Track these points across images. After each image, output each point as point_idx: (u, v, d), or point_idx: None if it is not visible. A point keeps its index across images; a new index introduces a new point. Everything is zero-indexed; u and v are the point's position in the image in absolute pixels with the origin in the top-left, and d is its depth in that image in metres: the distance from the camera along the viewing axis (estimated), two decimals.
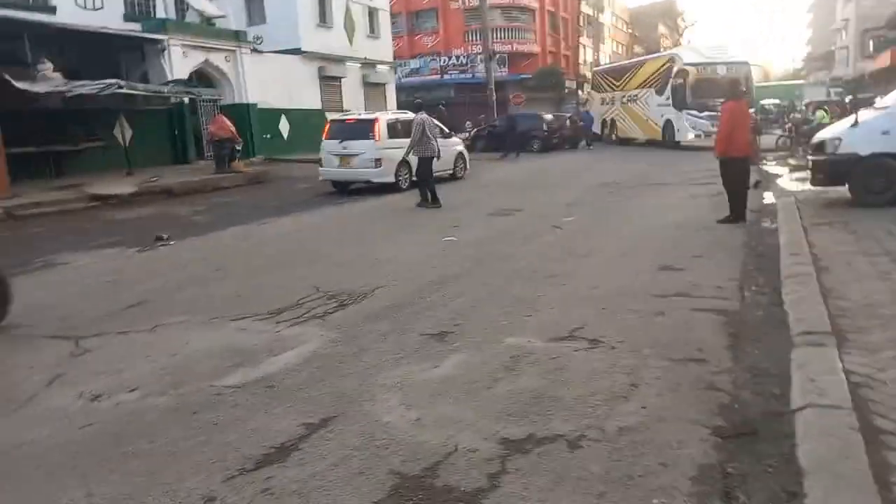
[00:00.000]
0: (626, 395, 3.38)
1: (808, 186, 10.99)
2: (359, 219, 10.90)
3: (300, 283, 6.23)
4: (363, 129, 13.66)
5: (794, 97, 43.53)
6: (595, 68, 38.35)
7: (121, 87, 15.28)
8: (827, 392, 3.10)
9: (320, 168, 14.35)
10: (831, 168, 8.61)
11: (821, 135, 9.18)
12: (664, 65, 25.25)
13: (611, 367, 3.78)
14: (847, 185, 8.62)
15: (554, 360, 3.95)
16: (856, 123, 8.41)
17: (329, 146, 13.92)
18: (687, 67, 23.33)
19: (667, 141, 24.38)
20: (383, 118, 14.04)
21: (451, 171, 16.06)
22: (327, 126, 15.01)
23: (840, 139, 8.47)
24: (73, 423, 3.42)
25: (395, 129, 13.89)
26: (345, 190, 14.40)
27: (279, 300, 5.62)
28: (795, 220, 7.94)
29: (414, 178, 13.58)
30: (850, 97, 35.41)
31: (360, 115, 15.64)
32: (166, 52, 19.48)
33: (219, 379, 3.93)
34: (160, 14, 21.14)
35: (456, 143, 16.77)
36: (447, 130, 16.43)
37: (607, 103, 30.51)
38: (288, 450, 3.01)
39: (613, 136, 29.54)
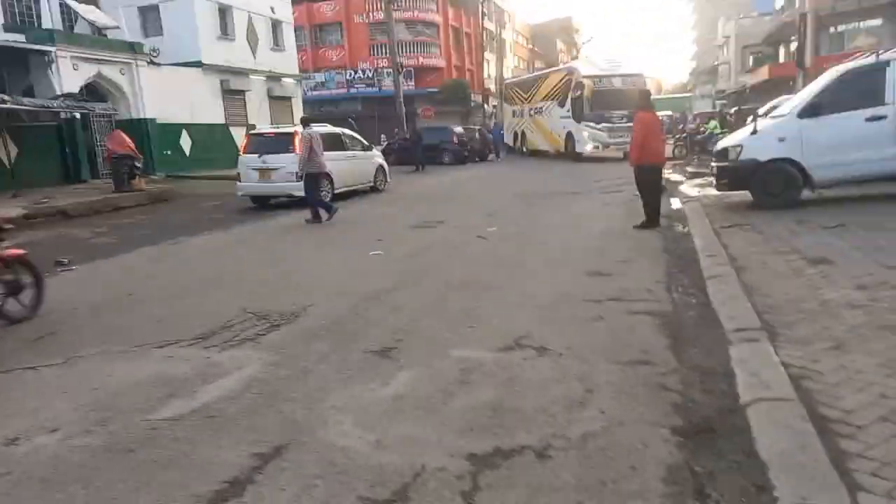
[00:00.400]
0: (582, 402, 3.39)
1: (709, 192, 11.70)
2: (277, 235, 10.54)
3: (225, 304, 5.91)
4: (283, 143, 13.41)
5: (685, 109, 46.28)
6: (506, 81, 39.15)
7: (4, 101, 14.10)
8: (771, 385, 3.24)
9: (238, 183, 13.89)
10: (734, 174, 9.15)
11: (723, 143, 9.77)
12: (564, 77, 25.56)
13: (562, 374, 3.79)
14: (749, 190, 9.18)
15: (505, 370, 3.92)
16: (755, 132, 8.99)
17: (248, 160, 13.57)
18: (584, 80, 23.44)
19: (569, 152, 24.57)
20: (303, 132, 13.60)
21: (371, 184, 16.10)
22: (246, 140, 14.72)
23: (741, 146, 9.03)
24: None
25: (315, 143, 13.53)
26: (265, 205, 14.09)
27: (205, 324, 5.29)
28: (705, 224, 8.38)
29: (336, 191, 13.76)
30: (734, 108, 38.09)
31: (279, 128, 15.45)
32: (54, 64, 18.24)
33: (152, 412, 3.63)
34: (46, 24, 19.76)
35: (376, 156, 16.80)
36: (366, 143, 16.54)
37: (517, 115, 31.03)
38: (242, 484, 2.80)
39: (524, 149, 29.94)
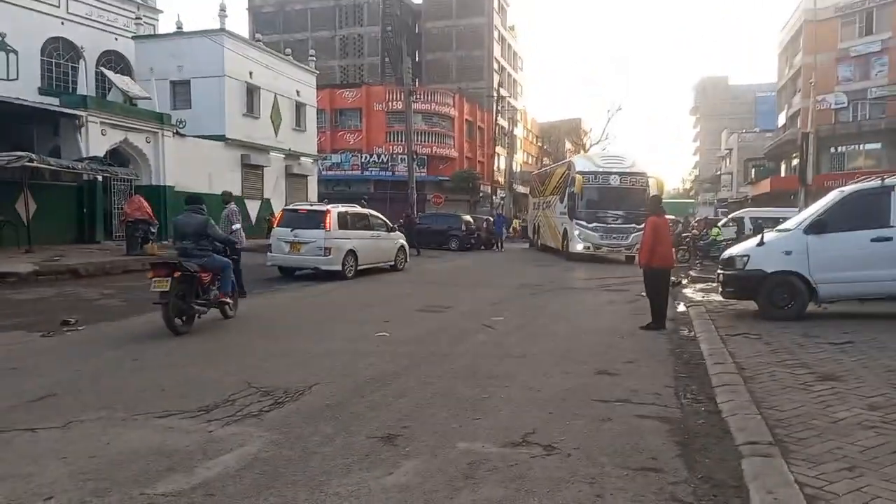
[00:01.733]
0: None
1: (713, 297, 11.77)
2: (285, 309, 10.55)
3: (229, 377, 5.87)
4: (315, 219, 14.28)
5: (688, 214, 47.17)
6: (534, 172, 39.73)
7: (32, 160, 14.51)
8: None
9: (269, 253, 14.66)
10: (740, 283, 9.26)
11: (730, 251, 9.92)
12: (564, 172, 24.33)
13: (571, 475, 3.72)
14: (755, 300, 9.25)
15: (512, 467, 3.85)
16: (762, 243, 9.16)
17: (280, 233, 14.37)
18: (577, 175, 21.86)
19: (563, 251, 23.17)
20: (334, 210, 14.65)
21: (392, 263, 16.90)
22: (280, 214, 15.71)
23: (748, 256, 9.18)
24: None
25: (344, 221, 14.67)
26: (291, 274, 14.75)
27: (208, 396, 5.24)
28: (711, 330, 8.38)
29: (360, 268, 14.71)
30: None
31: (312, 205, 16.11)
32: (84, 128, 18.87)
33: (149, 485, 3.54)
34: (81, 90, 20.61)
35: (398, 238, 17.57)
36: (390, 224, 17.33)
37: (536, 208, 29.99)
38: None
39: (539, 243, 28.39)
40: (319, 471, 3.77)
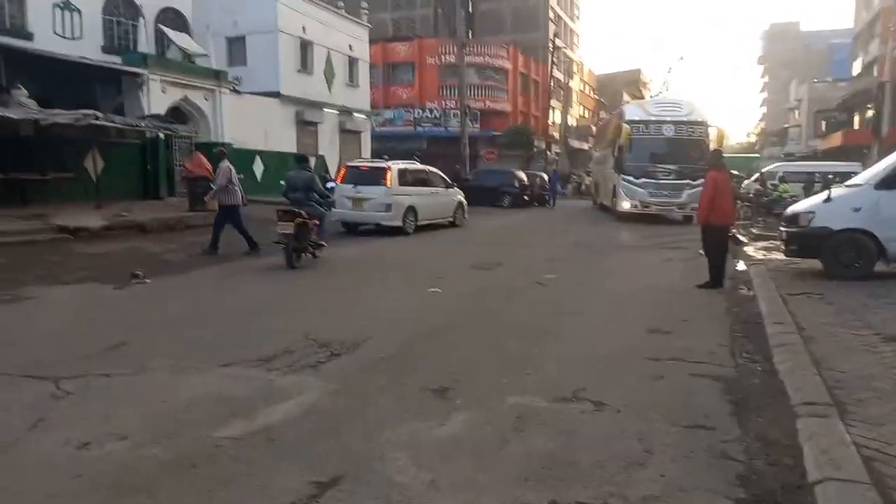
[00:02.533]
0: (641, 462, 3.34)
1: (775, 256, 11.39)
2: (339, 266, 10.76)
3: (288, 329, 6.08)
4: (376, 176, 14.67)
5: (752, 169, 45.36)
6: (594, 124, 38.76)
7: (97, 118, 15.03)
8: (842, 465, 3.12)
9: (333, 209, 14.75)
10: (804, 241, 8.91)
11: (795, 208, 9.54)
12: (616, 122, 22.50)
13: (620, 431, 3.74)
14: (819, 258, 8.91)
15: (561, 421, 3.90)
16: (829, 199, 8.77)
17: (343, 189, 14.83)
18: (624, 125, 19.87)
19: (612, 208, 21.20)
20: (395, 167, 15.00)
21: (451, 219, 17.27)
22: (343, 171, 16.05)
23: (813, 213, 8.81)
24: (62, 473, 3.20)
25: (404, 177, 15.10)
26: (354, 230, 15.24)
27: (268, 347, 5.45)
28: (772, 290, 8.14)
29: (419, 223, 15.10)
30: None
31: (373, 162, 16.33)
32: (145, 86, 19.36)
33: (215, 429, 3.75)
34: (141, 48, 21.05)
35: (457, 194, 17.86)
36: (448, 181, 17.63)
37: (596, 163, 28.92)
38: None
39: (598, 202, 26.28)
40: (374, 420, 3.90)
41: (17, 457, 3.40)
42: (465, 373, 4.85)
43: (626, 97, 69.62)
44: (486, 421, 3.91)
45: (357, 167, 15.69)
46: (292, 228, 9.47)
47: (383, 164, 15.17)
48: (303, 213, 9.74)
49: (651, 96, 59.88)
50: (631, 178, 19.46)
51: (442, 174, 17.63)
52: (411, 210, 14.95)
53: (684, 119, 19.62)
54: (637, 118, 19.97)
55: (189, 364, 5.01)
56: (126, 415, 3.98)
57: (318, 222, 10.35)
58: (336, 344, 5.56)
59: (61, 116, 14.53)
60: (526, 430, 3.76)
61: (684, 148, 19.38)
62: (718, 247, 8.62)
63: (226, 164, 11.64)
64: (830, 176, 20.40)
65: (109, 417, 3.93)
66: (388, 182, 14.43)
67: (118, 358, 5.19)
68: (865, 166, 15.29)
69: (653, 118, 19.78)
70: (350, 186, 14.69)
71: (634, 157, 19.51)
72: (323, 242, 10.68)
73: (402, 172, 15.12)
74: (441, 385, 4.55)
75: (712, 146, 17.65)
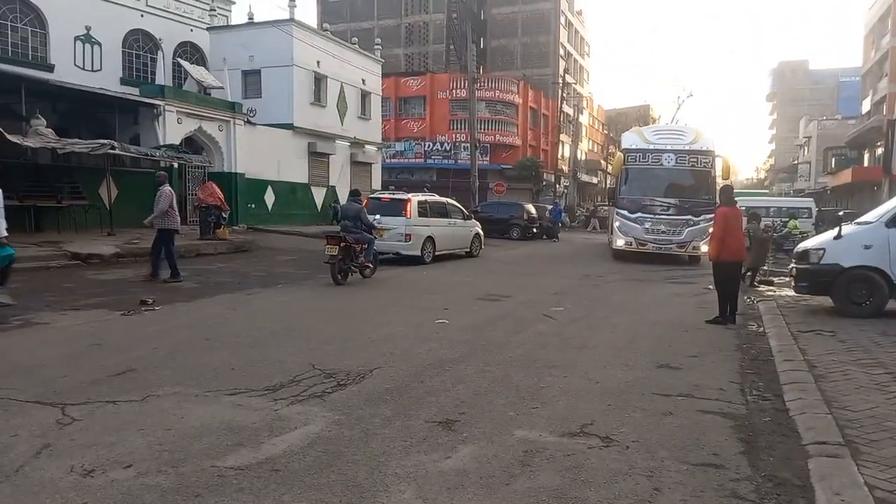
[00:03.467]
0: (650, 500, 3.29)
1: (785, 293, 11.32)
2: (349, 294, 10.79)
3: (294, 358, 6.08)
4: (397, 207, 15.15)
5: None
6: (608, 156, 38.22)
7: (114, 147, 15.30)
8: None
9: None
10: (815, 277, 8.87)
11: (805, 245, 9.52)
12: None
13: (629, 468, 3.70)
14: (830, 295, 8.85)
15: (569, 457, 3.85)
16: (839, 236, 8.75)
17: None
18: (620, 153, 18.73)
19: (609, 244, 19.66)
20: (415, 199, 15.61)
21: (467, 250, 17.83)
22: (365, 201, 16.64)
23: (824, 250, 8.79)
24: (66, 500, 3.19)
25: (424, 209, 15.74)
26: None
27: (275, 376, 5.46)
28: (782, 326, 8.09)
29: (437, 253, 15.70)
30: (815, 209, 37.05)
31: (394, 193, 16.82)
32: (161, 116, 19.72)
33: (219, 459, 3.74)
34: (159, 80, 21.51)
35: (474, 226, 18.47)
36: (466, 213, 18.43)
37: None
38: None
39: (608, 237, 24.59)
40: (379, 452, 3.88)
41: (21, 483, 3.40)
42: (471, 405, 4.82)
43: None
44: (492, 455, 3.87)
45: (379, 198, 16.26)
46: (337, 251, 11.19)
47: (403, 196, 15.64)
48: (347, 238, 11.46)
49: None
50: (626, 213, 17.55)
51: (460, 206, 18.31)
52: (430, 240, 15.49)
53: (687, 148, 17.52)
54: (634, 146, 18.09)
55: (196, 392, 5.02)
56: (132, 442, 3.97)
57: (365, 247, 12.02)
58: (342, 374, 5.55)
59: (78, 145, 14.81)
60: (533, 465, 3.72)
61: (686, 180, 17.57)
62: (730, 283, 8.57)
63: (167, 188, 11.58)
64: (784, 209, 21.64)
65: (115, 445, 3.92)
66: (409, 213, 15.00)
67: (125, 384, 5.19)
68: (875, 204, 15.13)
69: (651, 146, 17.77)
70: (371, 217, 14.93)
71: (630, 189, 17.71)
72: (369, 265, 12.21)
73: (421, 204, 15.69)
74: (447, 417, 4.52)
75: (719, 179, 17.10)
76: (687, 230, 16.98)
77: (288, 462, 3.71)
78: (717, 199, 9.79)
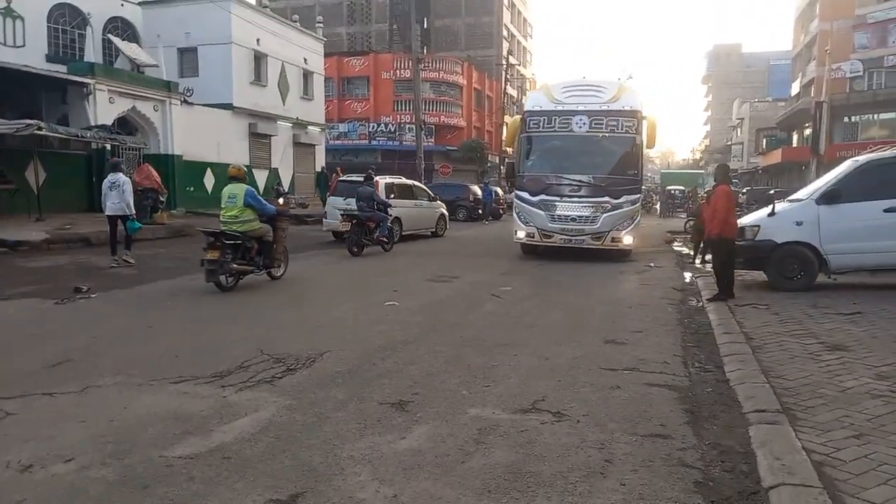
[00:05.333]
0: (602, 472, 3.37)
1: None
2: (296, 278, 10.59)
3: (242, 344, 5.95)
4: (367, 189, 15.16)
5: (697, 184, 46.84)
6: None
7: (41, 128, 14.51)
8: (794, 471, 3.21)
9: (325, 220, 16.81)
10: (750, 253, 9.20)
11: (741, 222, 9.85)
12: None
13: (581, 441, 3.77)
14: (765, 270, 9.23)
15: (522, 433, 3.91)
16: (773, 213, 9.10)
17: (335, 202, 16.17)
18: (518, 117, 14.69)
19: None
20: (382, 181, 16.10)
21: (433, 230, 18.52)
22: (334, 184, 17.74)
23: (758, 226, 9.13)
24: (3, 498, 3.04)
25: (391, 191, 16.19)
26: (342, 239, 15.81)
27: (221, 362, 5.32)
28: (720, 301, 8.38)
29: (403, 233, 16.32)
30: (746, 188, 38.48)
31: (364, 176, 16.50)
32: (91, 96, 18.81)
33: (167, 448, 3.63)
34: (88, 58, 20.47)
35: (439, 207, 19.19)
36: (432, 195, 19.04)
37: None
38: None
39: None
40: (333, 435, 3.84)
41: None
42: (424, 386, 4.82)
43: None
44: (447, 434, 3.89)
45: (349, 181, 16.83)
46: (350, 227, 13.24)
47: (373, 179, 15.56)
48: (359, 216, 13.39)
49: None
50: (526, 196, 13.45)
51: (426, 188, 19.16)
52: (396, 221, 15.73)
53: (605, 108, 13.11)
54: (537, 108, 13.67)
55: (139, 381, 4.85)
56: (72, 435, 3.81)
57: (378, 224, 13.80)
58: (291, 359, 5.47)
59: (2, 126, 13.96)
60: (487, 443, 3.76)
61: (604, 150, 13.27)
62: (730, 259, 8.66)
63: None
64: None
65: (54, 438, 3.76)
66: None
67: (63, 375, 4.97)
68: (804, 183, 15.76)
69: (559, 107, 13.34)
70: (341, 199, 15.74)
71: (532, 164, 13.64)
72: (384, 239, 13.92)
73: (388, 186, 16.23)
74: (401, 399, 4.51)
75: (645, 142, 13.38)
76: (604, 217, 12.85)
77: (239, 449, 3.63)
78: (714, 177, 9.44)
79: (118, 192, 10.98)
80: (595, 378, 5.08)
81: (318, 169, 30.17)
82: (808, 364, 5.23)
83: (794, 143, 46.86)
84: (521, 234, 13.78)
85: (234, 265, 8.82)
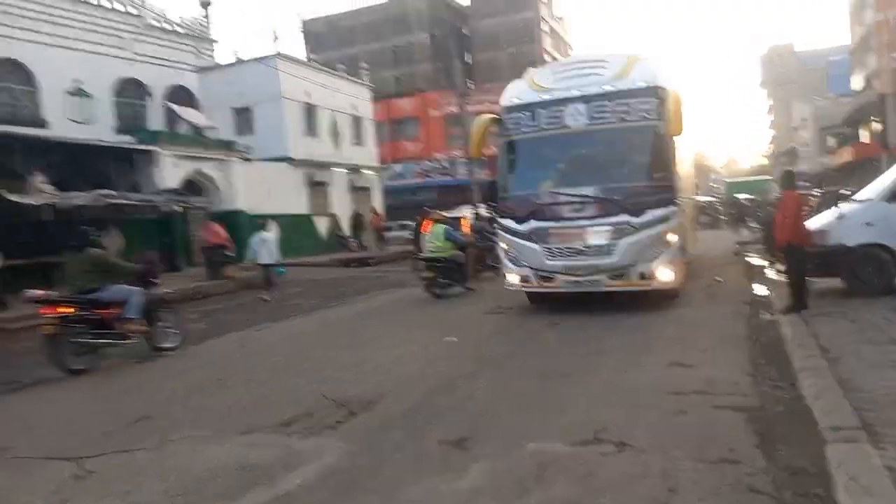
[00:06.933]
0: (666, 502, 3.26)
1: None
2: (356, 320, 10.78)
3: (306, 390, 6.09)
4: (456, 225, 15.97)
5: (764, 191, 45.18)
6: None
7: (113, 197, 15.43)
8: (874, 491, 3.04)
9: (420, 254, 16.82)
10: (821, 259, 8.80)
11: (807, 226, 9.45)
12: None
13: (644, 471, 3.67)
14: (839, 276, 8.79)
15: (582, 465, 3.83)
16: (841, 216, 8.70)
17: (429, 238, 16.23)
18: (494, 116, 10.14)
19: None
20: (470, 217, 17.47)
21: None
22: (428, 223, 17.44)
23: (827, 231, 8.74)
24: None
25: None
26: None
27: (287, 410, 5.45)
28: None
29: (493, 265, 15.56)
30: (820, 190, 36.77)
31: (450, 215, 17.48)
32: (158, 162, 19.90)
33: (235, 500, 3.74)
34: (152, 126, 21.75)
35: None
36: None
37: None
38: None
39: None
40: (393, 478, 3.87)
41: None
42: (483, 422, 4.80)
43: None
44: (505, 470, 3.86)
45: (444, 219, 17.24)
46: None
47: (459, 215, 16.66)
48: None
49: None
50: (511, 225, 9.56)
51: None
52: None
53: (610, 88, 9.10)
54: (516, 101, 9.82)
55: (209, 434, 5.02)
56: (147, 490, 3.99)
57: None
58: (354, 402, 5.54)
59: (77, 199, 14.94)
60: (546, 478, 3.70)
61: (612, 148, 9.34)
62: (801, 268, 8.35)
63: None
64: None
65: (130, 493, 3.94)
66: (466, 230, 16.07)
67: (140, 432, 5.21)
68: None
69: (546, 97, 9.48)
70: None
71: (517, 180, 9.83)
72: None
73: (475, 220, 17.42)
74: (459, 436, 4.50)
75: (671, 129, 8.84)
76: (624, 244, 8.80)
77: (303, 497, 3.71)
78: (779, 183, 8.27)
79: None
80: (660, 403, 4.93)
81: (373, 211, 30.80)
82: (889, 373, 4.93)
83: (863, 140, 44.67)
84: (513, 280, 9.79)
85: (441, 279, 12.37)
